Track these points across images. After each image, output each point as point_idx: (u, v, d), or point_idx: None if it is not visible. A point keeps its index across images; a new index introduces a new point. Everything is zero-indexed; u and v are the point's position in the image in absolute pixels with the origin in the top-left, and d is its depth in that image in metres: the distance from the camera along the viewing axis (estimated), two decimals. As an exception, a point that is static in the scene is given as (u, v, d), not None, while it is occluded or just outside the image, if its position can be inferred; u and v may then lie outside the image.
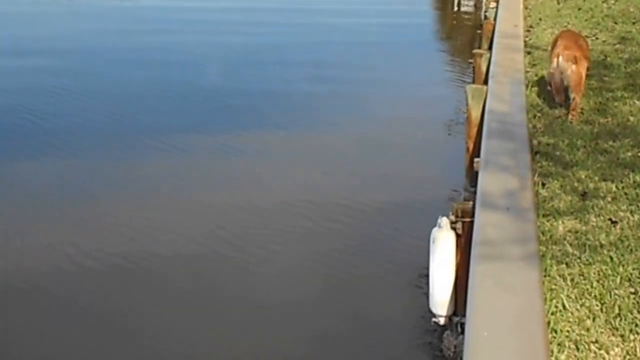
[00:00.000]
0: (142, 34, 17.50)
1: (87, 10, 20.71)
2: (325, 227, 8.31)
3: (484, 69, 9.94)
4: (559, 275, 4.95)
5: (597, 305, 4.65)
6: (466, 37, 16.81)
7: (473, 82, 10.20)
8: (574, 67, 7.79)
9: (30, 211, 8.70)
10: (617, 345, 4.30)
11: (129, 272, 7.53)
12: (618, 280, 4.90)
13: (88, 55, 15.53)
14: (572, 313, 4.57)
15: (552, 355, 4.17)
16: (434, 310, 5.99)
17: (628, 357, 4.22)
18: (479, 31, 12.96)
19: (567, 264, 5.08)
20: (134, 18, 19.64)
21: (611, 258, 5.15)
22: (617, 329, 4.43)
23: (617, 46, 11.01)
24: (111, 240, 8.07)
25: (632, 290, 4.80)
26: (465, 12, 22.12)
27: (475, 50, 10.32)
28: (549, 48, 8.76)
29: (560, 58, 7.83)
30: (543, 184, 6.31)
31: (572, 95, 7.90)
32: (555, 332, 4.40)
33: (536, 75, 9.47)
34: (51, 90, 13.00)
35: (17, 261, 7.70)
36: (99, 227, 8.35)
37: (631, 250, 5.24)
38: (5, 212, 8.68)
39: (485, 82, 9.19)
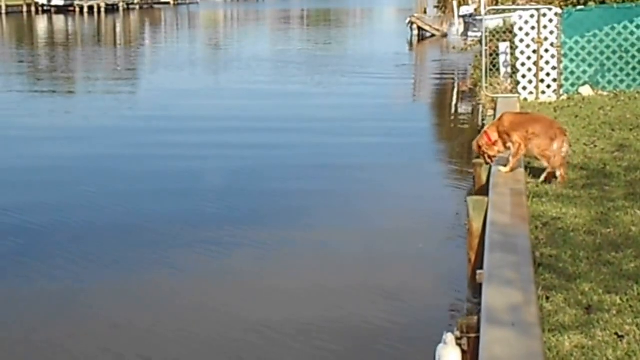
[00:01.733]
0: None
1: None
2: (325, 340, 8.17)
3: (484, 179, 10.06)
4: (568, 396, 4.89)
5: None
6: (465, 145, 16.94)
7: (473, 193, 10.28)
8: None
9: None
10: None
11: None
12: (627, 399, 4.84)
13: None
14: None
15: None
16: None
17: None
18: (479, 129, 13.11)
19: (575, 382, 5.03)
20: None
21: (620, 375, 5.10)
22: None
23: (616, 154, 11.12)
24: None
25: (643, 409, 4.74)
26: (463, 119, 22.44)
27: (475, 160, 10.44)
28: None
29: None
30: (547, 298, 6.29)
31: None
32: None
33: (537, 186, 9.55)
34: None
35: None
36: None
37: (639, 366, 5.20)
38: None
39: (486, 192, 9.27)
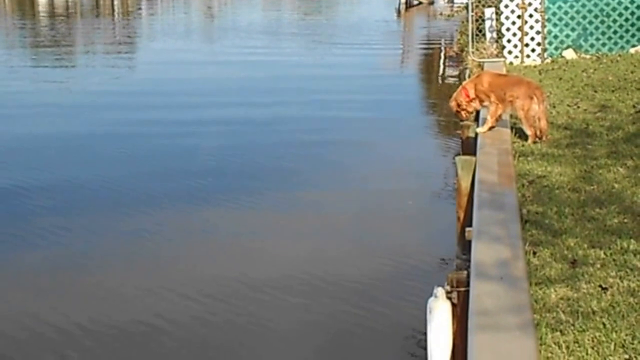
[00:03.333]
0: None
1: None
2: (319, 299, 8.39)
3: (471, 140, 10.22)
4: (554, 343, 5.07)
5: (593, 373, 4.78)
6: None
7: (461, 153, 10.46)
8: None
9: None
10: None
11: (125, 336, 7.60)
12: (612, 346, 5.02)
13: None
14: (569, 380, 4.70)
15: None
16: (432, 378, 6.07)
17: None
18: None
19: (561, 331, 5.20)
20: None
21: (604, 325, 5.27)
22: (613, 396, 4.56)
23: (598, 114, 11.32)
24: (108, 306, 8.16)
25: (627, 356, 4.92)
26: (450, 81, 22.59)
27: (462, 122, 10.60)
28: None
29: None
30: (534, 253, 6.48)
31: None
32: (554, 399, 4.51)
33: (522, 145, 9.73)
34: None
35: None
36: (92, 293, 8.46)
37: (623, 316, 5.37)
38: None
39: (474, 152, 9.44)
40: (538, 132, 9.85)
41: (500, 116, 10.03)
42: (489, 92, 9.91)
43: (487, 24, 18.71)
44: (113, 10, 53.31)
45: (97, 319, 8.02)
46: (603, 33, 17.36)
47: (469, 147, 10.09)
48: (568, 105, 11.98)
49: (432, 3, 45.74)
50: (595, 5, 17.27)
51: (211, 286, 8.67)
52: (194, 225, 10.59)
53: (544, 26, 17.23)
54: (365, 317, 7.98)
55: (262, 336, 7.72)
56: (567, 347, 5.03)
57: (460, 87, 10.29)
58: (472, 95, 10.00)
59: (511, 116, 10.27)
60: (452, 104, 10.23)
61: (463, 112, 10.16)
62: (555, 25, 17.36)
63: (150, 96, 20.20)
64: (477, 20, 18.65)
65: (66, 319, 8.03)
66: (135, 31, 39.63)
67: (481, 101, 10.03)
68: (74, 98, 19.99)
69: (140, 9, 53.57)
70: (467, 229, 7.22)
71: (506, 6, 17.26)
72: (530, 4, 17.10)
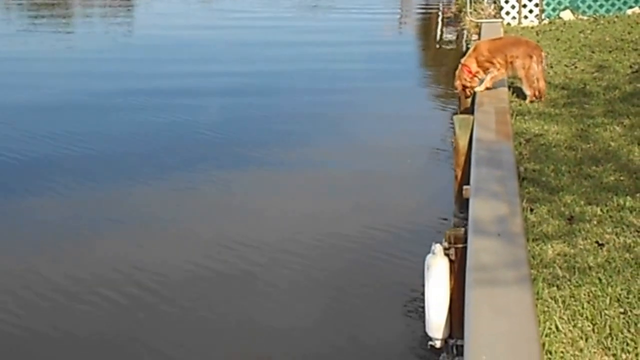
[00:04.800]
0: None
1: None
2: (319, 256, 8.47)
3: (468, 99, 10.20)
4: (551, 298, 5.12)
5: (589, 326, 4.82)
6: (449, 67, 17.14)
7: (459, 112, 10.45)
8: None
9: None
10: (610, 364, 4.48)
11: (134, 300, 7.67)
12: (608, 300, 5.08)
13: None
14: (565, 334, 4.74)
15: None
16: (429, 333, 6.13)
17: (620, 375, 4.40)
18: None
19: (557, 286, 5.26)
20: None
21: (600, 280, 5.33)
22: (609, 349, 4.60)
23: (595, 74, 11.32)
24: (110, 270, 8.21)
25: (622, 310, 4.98)
26: (448, 42, 22.52)
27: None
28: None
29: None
30: (531, 210, 6.52)
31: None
32: (550, 353, 4.55)
33: (520, 104, 9.73)
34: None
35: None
36: (97, 258, 8.50)
37: (618, 271, 5.43)
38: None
39: (471, 112, 9.44)
40: (537, 93, 9.84)
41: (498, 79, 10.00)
42: (491, 58, 9.80)
43: (485, -16, 18.63)
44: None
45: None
46: (601, -6, 17.29)
47: (467, 107, 10.09)
48: (565, 66, 11.98)
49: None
50: (594, -35, 17.18)
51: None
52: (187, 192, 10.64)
53: (541, -14, 17.14)
54: (363, 274, 8.06)
55: (267, 285, 7.82)
56: (564, 302, 5.08)
57: (460, 65, 10.08)
58: (474, 69, 9.82)
59: (510, 77, 10.24)
60: (457, 83, 10.03)
61: (468, 90, 9.98)
62: (553, -15, 17.28)
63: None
64: (475, -19, 18.57)
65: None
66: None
67: (485, 70, 9.89)
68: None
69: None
70: (465, 186, 7.25)
71: (504, -34, 17.16)
72: (528, -35, 16.99)
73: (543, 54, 10.06)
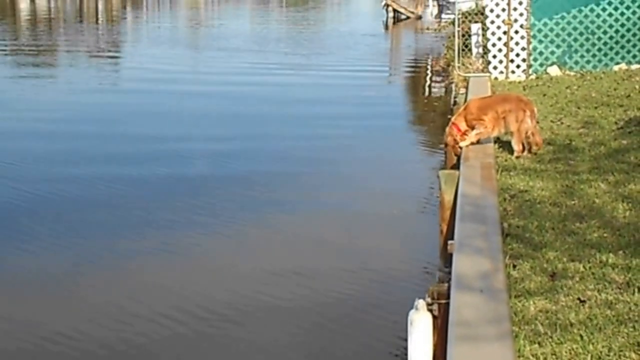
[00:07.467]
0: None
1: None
2: (297, 312, 8.43)
3: (454, 156, 10.30)
4: (532, 355, 5.13)
5: (570, 384, 4.84)
6: (437, 122, 17.32)
7: (445, 167, 10.54)
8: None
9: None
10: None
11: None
12: (589, 358, 5.09)
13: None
14: (546, 391, 4.76)
15: None
16: (413, 390, 6.13)
17: None
18: (449, 116, 13.43)
19: (539, 343, 5.27)
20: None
21: (581, 337, 5.33)
22: (589, 406, 4.62)
23: (581, 130, 11.43)
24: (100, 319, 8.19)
25: (603, 368, 5.00)
26: (436, 97, 22.74)
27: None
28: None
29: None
30: (514, 266, 6.55)
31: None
32: (532, 411, 4.57)
33: (505, 160, 9.83)
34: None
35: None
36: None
37: (600, 328, 5.44)
38: None
39: (457, 167, 9.53)
40: (534, 147, 10.00)
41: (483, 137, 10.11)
42: (481, 115, 9.94)
43: (474, 39, 18.92)
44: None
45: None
46: (587, 50, 17.54)
47: (452, 160, 10.19)
48: (552, 121, 12.11)
49: (420, 18, 46.03)
50: (580, 22, 17.46)
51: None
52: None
53: (529, 43, 17.40)
54: (347, 328, 8.03)
55: (249, 332, 7.85)
56: (545, 359, 5.09)
57: (450, 123, 10.25)
58: (463, 128, 9.99)
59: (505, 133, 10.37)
60: (448, 139, 10.16)
61: (458, 147, 10.10)
62: (540, 41, 17.53)
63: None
64: (463, 36, 18.87)
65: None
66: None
67: (473, 128, 10.04)
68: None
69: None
70: (450, 242, 7.29)
71: (492, 22, 17.44)
72: (516, 21, 17.29)
73: (535, 109, 10.22)
